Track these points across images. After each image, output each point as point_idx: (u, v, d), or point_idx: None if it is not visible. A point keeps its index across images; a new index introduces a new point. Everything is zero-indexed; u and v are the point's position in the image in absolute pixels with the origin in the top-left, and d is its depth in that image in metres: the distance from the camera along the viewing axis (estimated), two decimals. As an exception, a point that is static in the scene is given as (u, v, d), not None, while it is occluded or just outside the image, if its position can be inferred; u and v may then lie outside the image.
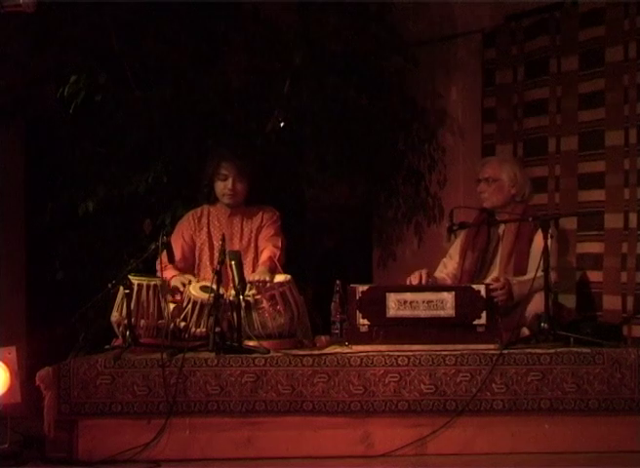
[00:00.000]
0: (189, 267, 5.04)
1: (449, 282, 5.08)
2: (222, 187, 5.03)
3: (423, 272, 4.89)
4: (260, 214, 5.10)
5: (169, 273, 4.85)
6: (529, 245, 4.95)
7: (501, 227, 5.06)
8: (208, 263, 5.00)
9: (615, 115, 5.21)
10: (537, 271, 4.59)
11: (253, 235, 5.07)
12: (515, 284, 4.75)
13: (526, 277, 4.79)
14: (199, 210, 5.15)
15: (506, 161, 5.26)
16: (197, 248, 5.07)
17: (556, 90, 5.59)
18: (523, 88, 5.82)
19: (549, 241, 4.59)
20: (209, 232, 5.07)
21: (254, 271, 4.89)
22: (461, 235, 5.16)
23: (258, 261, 4.99)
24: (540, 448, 4.30)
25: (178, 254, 4.90)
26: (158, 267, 4.78)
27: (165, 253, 4.67)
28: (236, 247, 4.96)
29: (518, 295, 4.75)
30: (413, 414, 4.32)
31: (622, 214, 5.13)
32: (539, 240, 4.79)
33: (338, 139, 5.96)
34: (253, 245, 5.06)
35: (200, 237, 5.07)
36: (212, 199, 5.11)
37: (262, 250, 5.00)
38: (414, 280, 4.86)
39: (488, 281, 4.75)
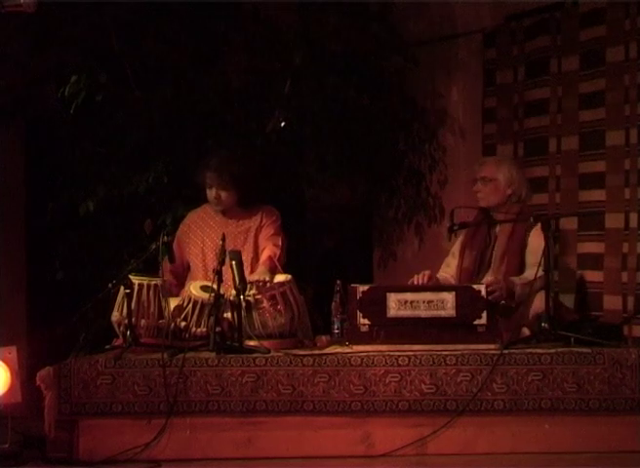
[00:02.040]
0: (186, 273, 5.07)
1: (452, 281, 5.08)
2: (209, 195, 5.06)
3: (427, 273, 4.88)
4: (260, 213, 5.10)
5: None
6: (521, 245, 4.94)
7: (498, 227, 5.06)
8: (202, 265, 4.99)
9: (615, 115, 5.21)
10: (537, 270, 4.59)
11: (251, 235, 5.06)
12: (518, 284, 4.75)
13: (526, 274, 4.79)
14: (195, 213, 5.16)
15: (504, 161, 5.23)
16: (192, 253, 5.06)
17: (557, 90, 5.58)
18: (523, 88, 5.82)
19: (540, 238, 4.60)
20: (203, 235, 5.07)
21: (252, 271, 4.89)
22: (462, 234, 5.16)
23: (256, 261, 4.99)
24: (540, 449, 4.30)
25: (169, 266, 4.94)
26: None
27: (166, 259, 4.68)
28: (231, 247, 4.96)
29: (520, 295, 4.75)
30: (413, 414, 4.32)
31: (623, 214, 5.13)
32: (534, 239, 4.80)
33: (338, 139, 5.96)
34: (251, 245, 5.05)
35: (195, 242, 5.06)
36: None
37: (263, 249, 5.00)
38: (417, 281, 4.85)
39: (484, 281, 4.74)
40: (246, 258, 4.93)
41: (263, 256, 4.93)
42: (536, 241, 4.77)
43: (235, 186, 5.00)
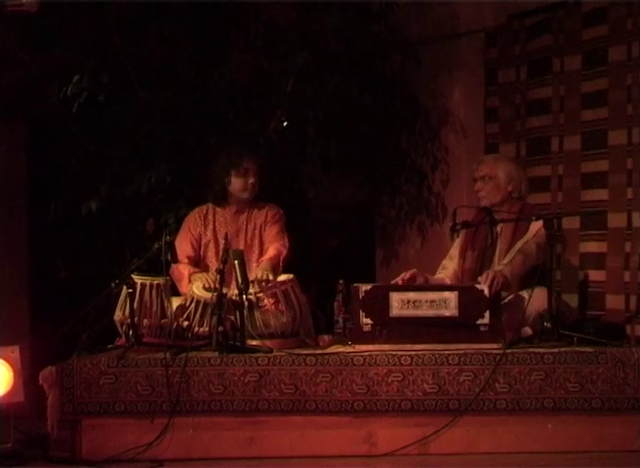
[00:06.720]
0: (196, 263, 5.04)
1: (447, 282, 5.07)
2: (243, 182, 5.00)
3: (410, 272, 4.86)
4: (265, 210, 5.10)
5: (185, 269, 4.87)
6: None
7: (499, 225, 5.06)
8: (214, 260, 4.98)
9: (617, 114, 5.21)
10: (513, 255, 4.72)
11: (257, 232, 5.06)
12: (507, 271, 4.74)
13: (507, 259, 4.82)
14: (204, 207, 5.12)
15: (501, 159, 5.29)
16: (202, 245, 5.05)
17: (559, 89, 5.58)
18: (526, 87, 5.82)
19: (543, 236, 4.62)
20: (214, 230, 5.05)
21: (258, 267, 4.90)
22: (461, 235, 5.16)
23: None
24: (543, 448, 4.30)
25: (188, 250, 4.95)
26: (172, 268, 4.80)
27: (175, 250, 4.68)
28: (242, 244, 4.96)
29: (510, 275, 4.73)
30: (416, 414, 4.32)
31: (625, 214, 5.14)
32: (532, 230, 4.82)
33: (340, 139, 5.95)
34: (257, 242, 5.05)
35: (206, 234, 5.06)
36: (221, 197, 5.07)
37: (268, 247, 4.99)
38: (399, 280, 4.84)
39: (479, 280, 4.72)
40: (252, 255, 4.94)
41: (270, 254, 4.91)
42: (532, 230, 4.82)
43: (262, 173, 5.01)
